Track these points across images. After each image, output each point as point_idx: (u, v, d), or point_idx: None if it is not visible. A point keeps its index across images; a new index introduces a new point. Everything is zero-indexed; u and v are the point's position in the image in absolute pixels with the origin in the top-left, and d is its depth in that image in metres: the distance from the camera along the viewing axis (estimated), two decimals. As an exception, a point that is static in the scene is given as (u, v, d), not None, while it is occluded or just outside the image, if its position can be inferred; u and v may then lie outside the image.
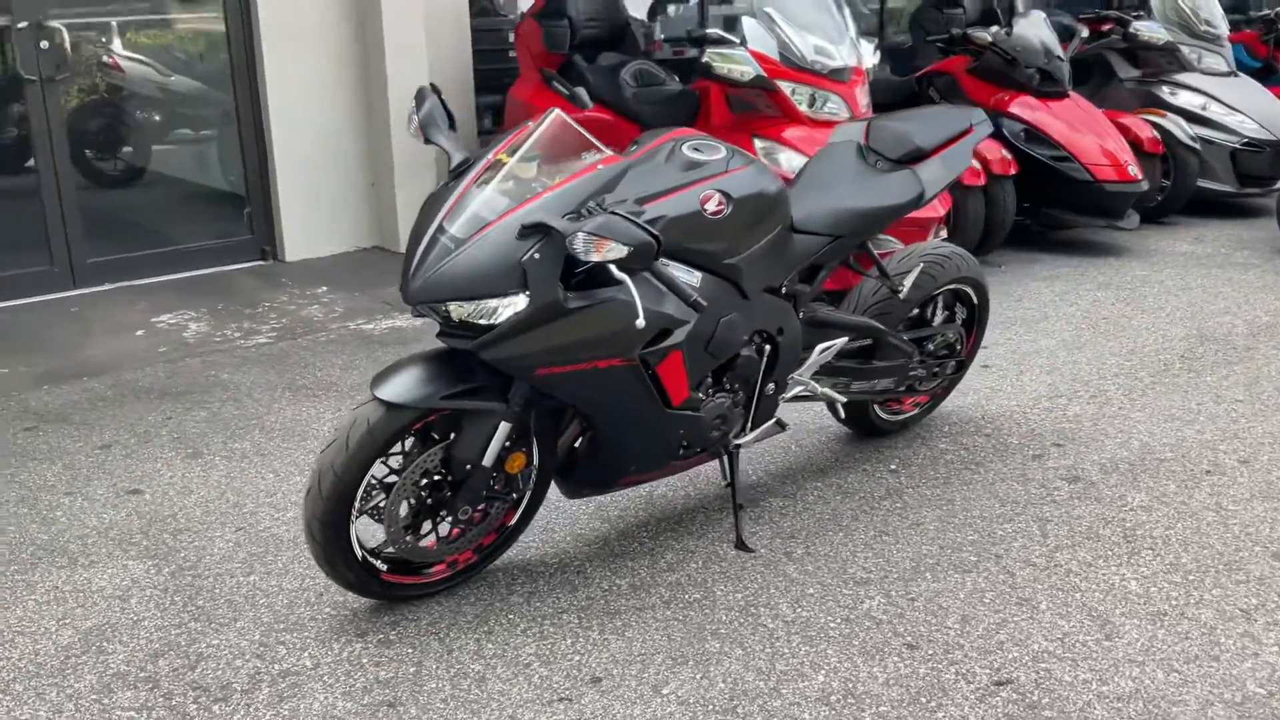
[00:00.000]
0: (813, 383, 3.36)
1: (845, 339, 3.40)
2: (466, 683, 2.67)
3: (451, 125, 2.85)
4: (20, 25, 5.46)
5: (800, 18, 5.45)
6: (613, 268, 2.54)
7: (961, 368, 3.91)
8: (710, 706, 2.58)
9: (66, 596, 3.05)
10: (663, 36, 6.31)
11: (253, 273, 6.21)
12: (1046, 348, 4.92)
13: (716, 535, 3.33)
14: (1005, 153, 6.14)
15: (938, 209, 5.32)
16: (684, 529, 3.37)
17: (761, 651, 2.78)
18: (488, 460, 2.81)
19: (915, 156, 3.46)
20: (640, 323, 2.50)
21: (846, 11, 5.63)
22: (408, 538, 2.85)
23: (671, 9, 8.08)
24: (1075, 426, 4.08)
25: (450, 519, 2.87)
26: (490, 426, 2.78)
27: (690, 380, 2.93)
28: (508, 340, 2.59)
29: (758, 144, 5.36)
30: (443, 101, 2.83)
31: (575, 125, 2.71)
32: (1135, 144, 6.71)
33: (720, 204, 2.82)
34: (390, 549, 2.85)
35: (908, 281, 3.54)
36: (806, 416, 4.12)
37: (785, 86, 5.35)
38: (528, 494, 3.05)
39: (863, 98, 5.52)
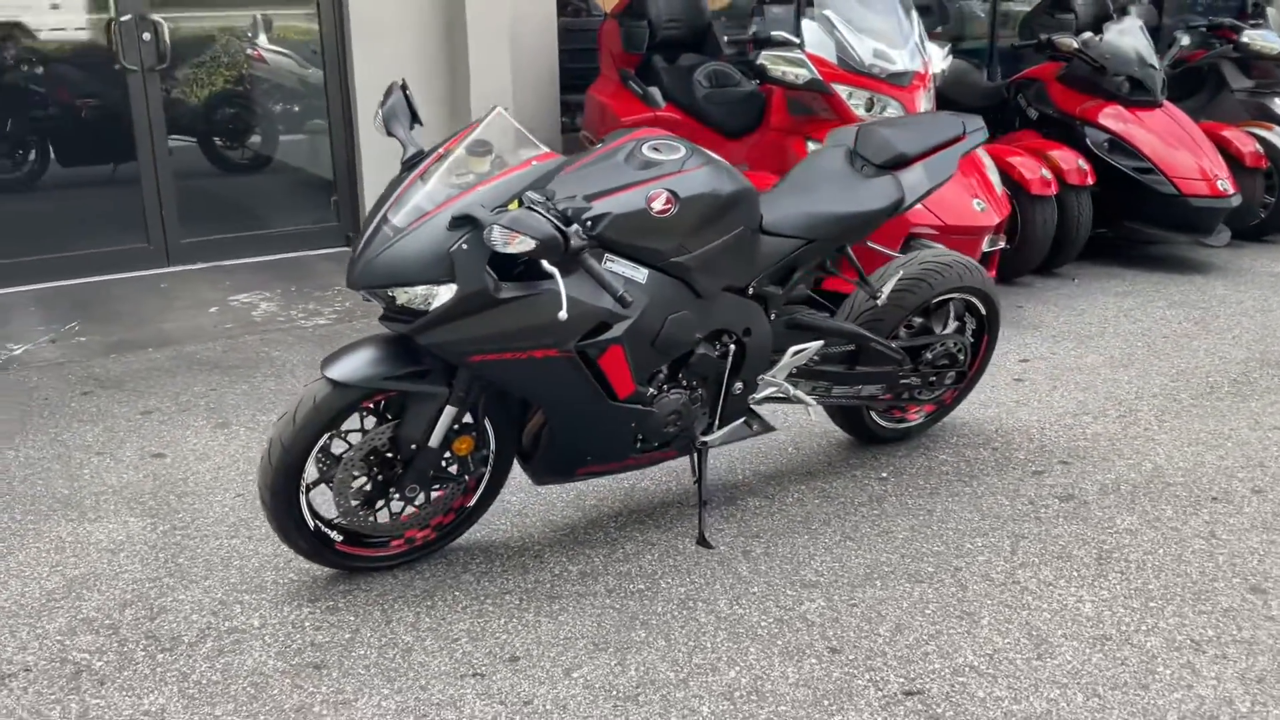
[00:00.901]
0: (786, 384, 3.37)
1: (820, 343, 3.40)
2: (393, 652, 2.79)
3: (415, 120, 2.96)
4: (124, 18, 5.85)
5: (860, 20, 5.41)
6: (543, 261, 2.62)
7: (962, 378, 3.84)
8: (614, 693, 2.64)
9: (65, 546, 3.30)
10: (726, 38, 6.35)
11: (333, 258, 6.50)
12: (1091, 364, 4.77)
13: (682, 530, 3.38)
14: (1082, 163, 5.96)
15: (991, 216, 5.21)
16: (652, 522, 3.42)
17: (684, 644, 2.82)
18: (434, 442, 2.93)
19: (898, 162, 3.43)
20: (562, 315, 2.58)
21: (913, 15, 5.56)
22: (360, 512, 2.99)
23: (774, 10, 8.08)
24: (1090, 445, 3.96)
25: (399, 497, 3.00)
26: (434, 409, 2.89)
27: (635, 375, 2.99)
28: (439, 326, 2.71)
29: (810, 147, 5.35)
30: (408, 98, 2.95)
31: (514, 122, 2.80)
32: (1237, 159, 6.41)
33: (668, 203, 2.88)
34: (342, 521, 2.99)
35: (886, 288, 3.51)
36: (808, 420, 4.12)
37: (841, 90, 5.32)
38: (485, 477, 3.15)
39: (924, 103, 5.44)
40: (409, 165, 2.85)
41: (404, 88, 2.92)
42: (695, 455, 3.34)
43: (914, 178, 3.40)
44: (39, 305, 5.58)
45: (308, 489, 2.93)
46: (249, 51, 6.55)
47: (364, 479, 2.97)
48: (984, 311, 3.84)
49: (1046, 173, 5.77)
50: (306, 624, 2.91)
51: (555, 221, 2.52)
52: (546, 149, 2.77)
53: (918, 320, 3.76)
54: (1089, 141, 6.18)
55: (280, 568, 3.16)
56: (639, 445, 3.17)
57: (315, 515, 2.98)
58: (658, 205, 2.87)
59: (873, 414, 3.84)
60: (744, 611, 2.96)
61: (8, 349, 4.93)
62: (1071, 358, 4.86)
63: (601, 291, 2.83)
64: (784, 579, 3.12)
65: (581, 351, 2.87)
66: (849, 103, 5.34)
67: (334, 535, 3.02)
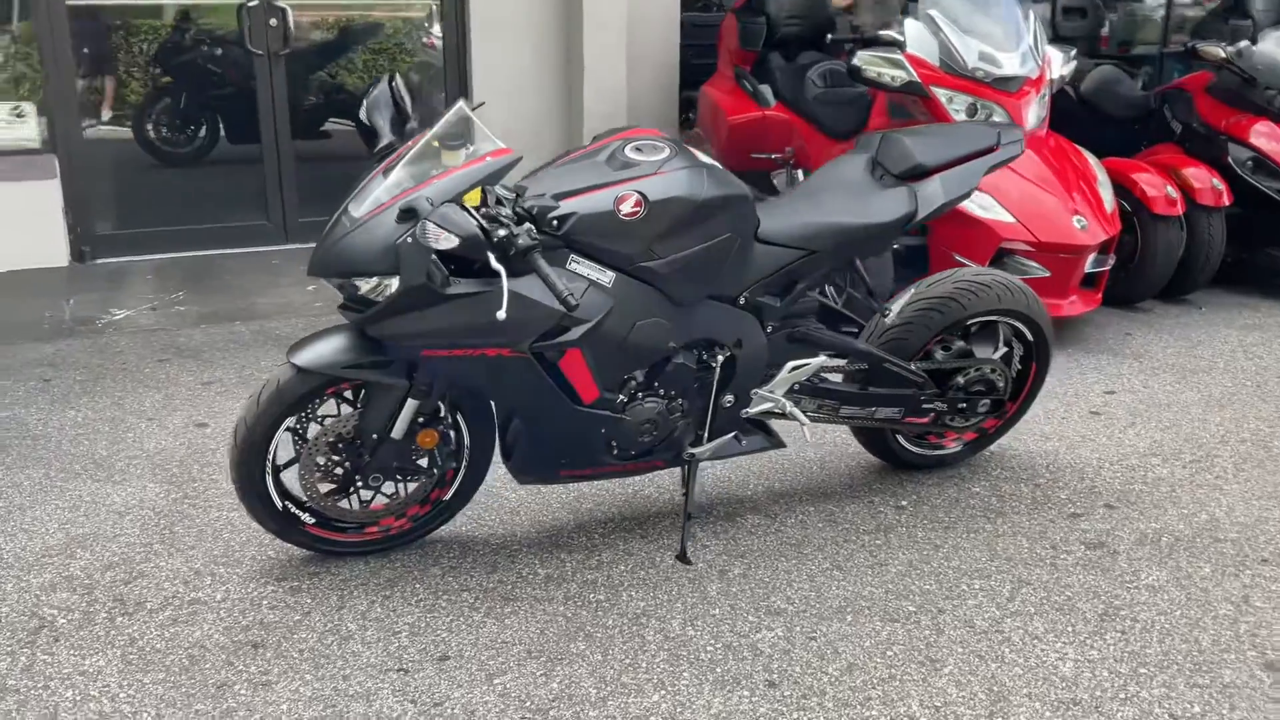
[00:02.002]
0: (785, 400, 3.23)
1: (821, 359, 3.23)
2: (332, 639, 2.81)
3: (401, 115, 2.95)
4: (252, 3, 6.11)
5: (969, 21, 5.12)
6: (490, 258, 2.59)
7: (1000, 407, 3.59)
8: (527, 704, 2.58)
9: (80, 506, 3.46)
10: (830, 37, 6.12)
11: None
12: (1183, 402, 4.40)
13: (667, 543, 3.28)
14: (1217, 182, 5.49)
15: (1093, 235, 4.86)
16: (640, 531, 3.34)
17: (618, 662, 2.73)
18: (397, 433, 2.93)
19: (916, 173, 3.22)
20: (500, 315, 2.53)
21: (1030, 17, 5.24)
22: (327, 496, 3.02)
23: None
24: (1146, 490, 3.65)
25: (363, 485, 3.01)
26: (396, 400, 2.89)
27: (600, 380, 2.91)
28: (386, 319, 2.70)
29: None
30: (394, 90, 2.94)
31: (474, 117, 2.76)
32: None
33: (636, 205, 2.79)
34: (309, 503, 3.03)
35: (895, 305, 3.30)
36: (842, 440, 3.94)
37: (941, 94, 5.06)
38: (461, 471, 3.13)
39: (1034, 111, 5.12)
40: (380, 157, 2.85)
41: (391, 80, 2.92)
42: (685, 467, 3.24)
43: (930, 190, 3.19)
44: (155, 274, 5.89)
45: (276, 470, 2.98)
46: (422, 40, 6.76)
47: (329, 464, 2.99)
48: (1030, 338, 3.58)
49: (1172, 191, 5.34)
50: (264, 602, 2.96)
51: (507, 220, 2.49)
52: (503, 145, 2.73)
53: (958, 343, 3.53)
54: (1231, 159, 5.69)
55: (263, 544, 3.23)
56: (616, 452, 3.08)
57: (286, 496, 3.03)
58: (626, 207, 2.78)
59: (900, 438, 3.63)
60: (695, 634, 2.85)
61: (110, 314, 5.22)
62: (1164, 393, 4.48)
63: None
64: (750, 604, 2.98)
65: (540, 353, 2.81)
66: (948, 108, 5.07)
67: (304, 517, 3.06)
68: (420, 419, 2.96)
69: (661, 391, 3.04)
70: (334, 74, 6.70)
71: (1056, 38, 7.22)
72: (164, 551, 3.20)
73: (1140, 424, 4.18)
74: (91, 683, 2.62)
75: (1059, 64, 5.35)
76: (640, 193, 2.79)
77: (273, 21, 6.16)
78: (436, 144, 2.70)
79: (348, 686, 2.62)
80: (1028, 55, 5.12)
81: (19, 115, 5.93)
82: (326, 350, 2.84)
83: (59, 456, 3.79)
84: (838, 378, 3.43)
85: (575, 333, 2.78)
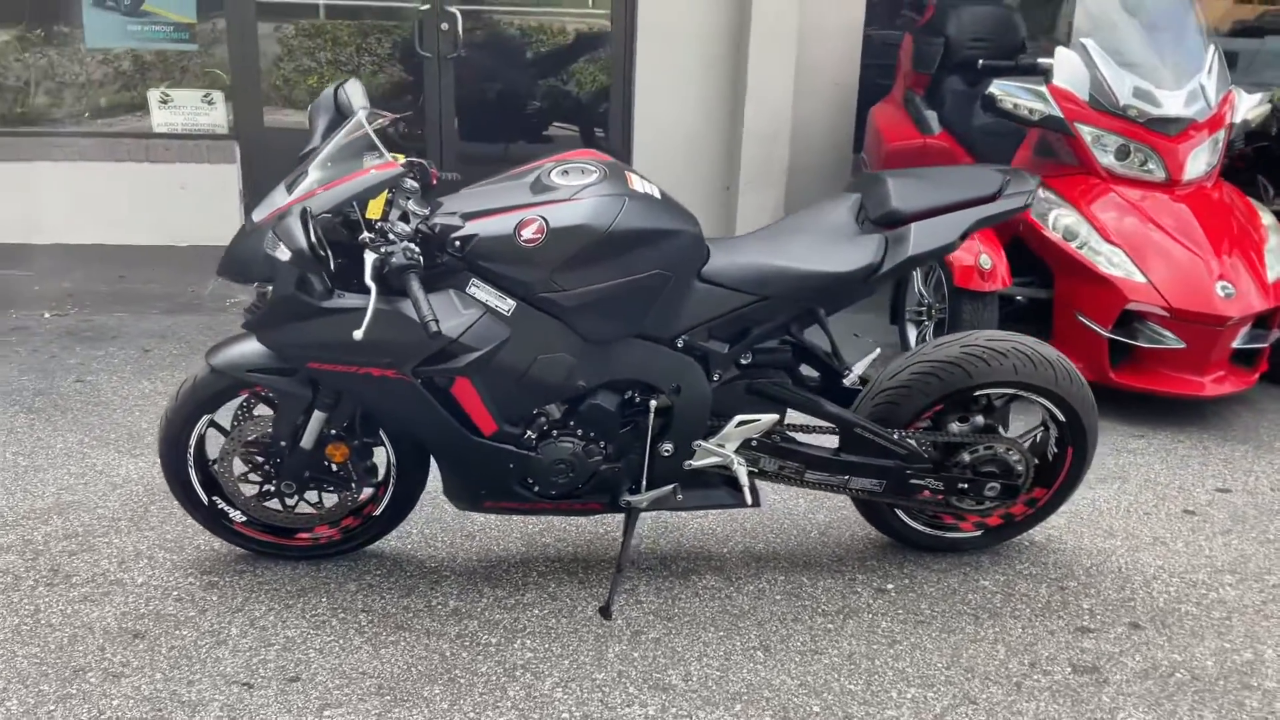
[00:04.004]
0: (734, 455, 2.93)
1: (774, 417, 2.91)
2: (207, 642, 2.80)
3: (339, 118, 2.84)
4: (424, 7, 6.29)
5: (1130, 53, 4.53)
6: (367, 274, 2.49)
7: (1012, 495, 3.12)
8: (340, 742, 2.47)
9: (87, 473, 3.65)
10: (982, 62, 5.54)
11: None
12: (1312, 512, 3.70)
13: (600, 593, 3.07)
14: None
15: (1241, 305, 4.17)
16: (581, 576, 3.14)
17: (462, 714, 2.57)
18: (306, 443, 2.88)
19: (892, 220, 2.84)
20: (357, 335, 2.42)
21: (1209, 51, 4.57)
22: (244, 497, 3.02)
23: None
24: (1195, 613, 3.08)
25: (274, 492, 2.99)
26: (301, 411, 2.85)
27: (496, 413, 2.75)
28: (267, 327, 2.65)
29: (1039, 193, 4.56)
30: (338, 95, 2.83)
31: (369, 129, 2.64)
32: None
33: (538, 231, 2.60)
34: (232, 501, 3.04)
35: (858, 367, 2.92)
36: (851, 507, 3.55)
37: (1086, 132, 4.50)
38: (391, 488, 3.06)
39: (1196, 158, 4.46)
40: (302, 159, 2.80)
41: (340, 85, 2.86)
42: (626, 515, 3.02)
43: (901, 239, 2.80)
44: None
45: (200, 464, 3.01)
46: (538, 48, 6.81)
47: (248, 465, 2.98)
48: (1062, 418, 3.09)
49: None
50: (173, 594, 2.99)
51: (396, 236, 2.47)
52: (390, 158, 2.60)
53: (979, 417, 3.10)
54: None
55: (213, 538, 3.26)
56: (536, 490, 2.91)
57: (216, 491, 3.05)
58: (527, 233, 2.60)
59: (900, 514, 3.24)
60: (561, 697, 2.64)
61: (241, 295, 5.50)
62: (1294, 499, 3.79)
63: (457, 316, 2.63)
64: (642, 674, 2.73)
65: (428, 378, 2.68)
66: (1094, 148, 4.51)
67: (234, 514, 3.07)
68: (331, 431, 2.89)
69: (579, 432, 2.84)
70: (503, 78, 6.78)
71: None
72: (126, 529, 3.31)
73: (1238, 533, 3.54)
74: (-28, 647, 2.73)
75: (1247, 106, 4.63)
76: (543, 218, 2.61)
77: (444, 26, 6.31)
78: (329, 156, 2.62)
79: (185, 693, 2.60)
80: (1196, 95, 4.46)
81: (209, 102, 6.37)
82: (237, 353, 2.83)
83: (103, 424, 4.01)
84: (809, 437, 3.09)
85: (461, 360, 2.63)
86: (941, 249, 2.81)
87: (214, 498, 3.05)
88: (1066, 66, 4.55)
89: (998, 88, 4.60)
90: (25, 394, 4.25)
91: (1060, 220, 4.43)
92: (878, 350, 3.00)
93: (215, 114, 6.39)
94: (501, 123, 6.83)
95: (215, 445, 3.01)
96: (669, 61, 6.37)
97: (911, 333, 4.74)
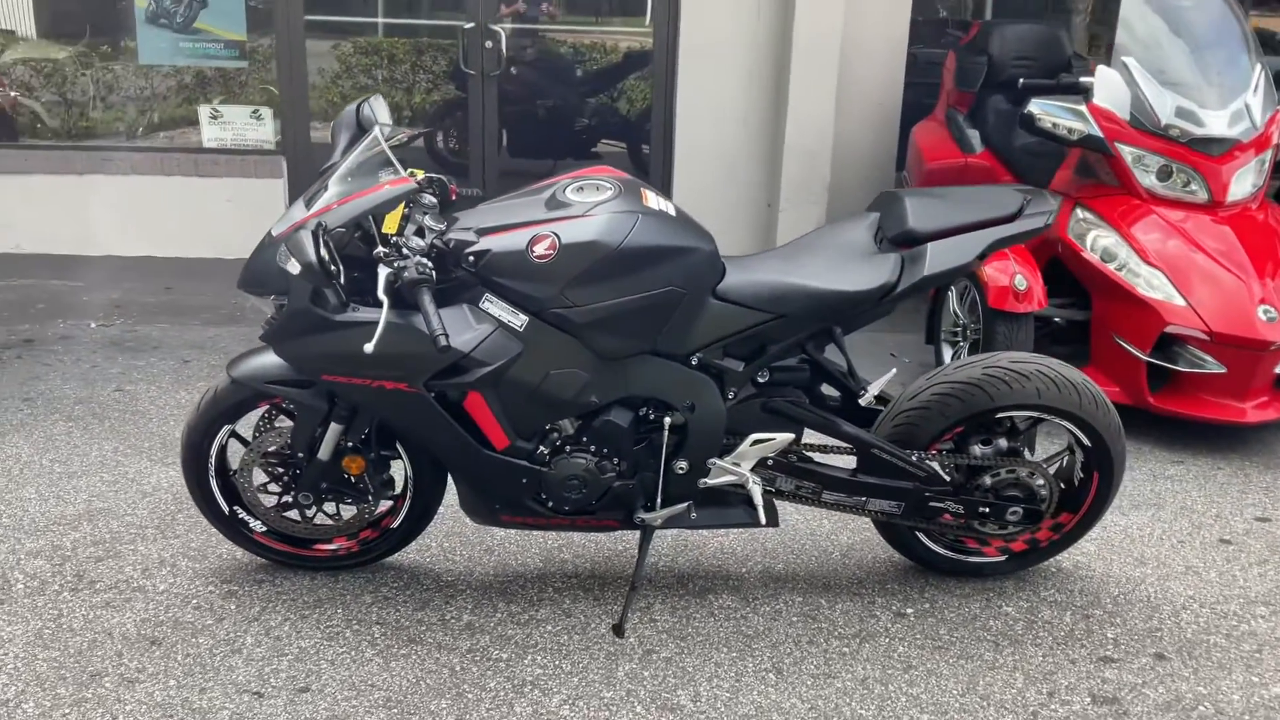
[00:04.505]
0: (750, 474, 2.91)
1: (789, 436, 2.89)
2: (222, 651, 2.83)
3: (361, 134, 2.86)
4: (468, 25, 6.35)
5: (1171, 71, 4.45)
6: (380, 288, 2.51)
7: (1035, 520, 3.06)
8: (344, 754, 2.48)
9: (120, 480, 3.71)
10: (1022, 81, 5.45)
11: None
12: (1355, 544, 3.60)
13: (616, 610, 3.06)
14: None
15: (1285, 330, 4.07)
16: (596, 593, 3.14)
17: (467, 728, 2.57)
18: (323, 455, 2.91)
19: (909, 239, 2.81)
20: (368, 348, 2.45)
21: (1257, 70, 4.48)
22: (267, 507, 3.05)
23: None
24: (1225, 645, 3.01)
25: (292, 503, 3.02)
26: (317, 422, 2.88)
27: (509, 427, 2.75)
28: (283, 339, 2.69)
29: (1078, 213, 4.52)
30: (359, 111, 2.87)
31: (384, 145, 2.66)
32: None
33: (550, 247, 2.61)
34: (252, 511, 3.08)
35: (873, 387, 2.88)
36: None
37: (1127, 152, 4.43)
38: (408, 500, 3.07)
39: (1241, 179, 4.37)
40: (322, 174, 2.84)
41: (363, 102, 2.90)
42: (642, 532, 3.01)
43: (918, 259, 2.77)
44: (349, 273, 6.24)
45: (221, 474, 3.04)
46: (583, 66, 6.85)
47: (268, 475, 3.02)
48: (1087, 443, 3.04)
49: None
50: (193, 601, 3.03)
51: (410, 251, 2.49)
52: (405, 174, 2.63)
53: (1002, 440, 3.06)
54: None
55: (236, 547, 3.30)
56: (549, 505, 2.91)
57: (237, 501, 3.09)
58: (539, 249, 2.61)
59: (921, 536, 3.20)
60: (568, 714, 2.63)
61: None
62: (1337, 530, 3.69)
63: (469, 330, 2.65)
64: (651, 694, 2.72)
65: (441, 392, 2.70)
66: (1135, 168, 4.44)
67: (254, 524, 3.11)
68: (349, 444, 2.92)
69: (592, 448, 2.83)
70: (546, 96, 6.83)
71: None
72: (152, 536, 3.35)
73: (1275, 563, 3.45)
74: (-5, 650, 2.78)
75: (1300, 125, 4.53)
76: (555, 234, 2.61)
77: (488, 44, 6.37)
78: (347, 172, 2.65)
79: (196, 700, 2.63)
80: (1241, 115, 4.37)
81: (258, 118, 6.49)
82: (257, 365, 2.87)
83: (139, 433, 4.08)
84: (827, 457, 3.06)
85: (473, 375, 2.64)
86: (958, 269, 2.78)
87: (235, 507, 3.09)
88: (1107, 85, 4.48)
89: (1036, 107, 4.54)
90: (66, 402, 4.34)
91: (1099, 241, 4.36)
92: (894, 370, 2.96)
93: (264, 129, 6.50)
94: (544, 140, 6.88)
95: (237, 455, 3.05)
96: (711, 79, 6.38)
97: (947, 353, 4.69)
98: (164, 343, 5.05)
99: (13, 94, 6.49)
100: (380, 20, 6.69)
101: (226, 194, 6.38)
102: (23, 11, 6.57)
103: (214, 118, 6.46)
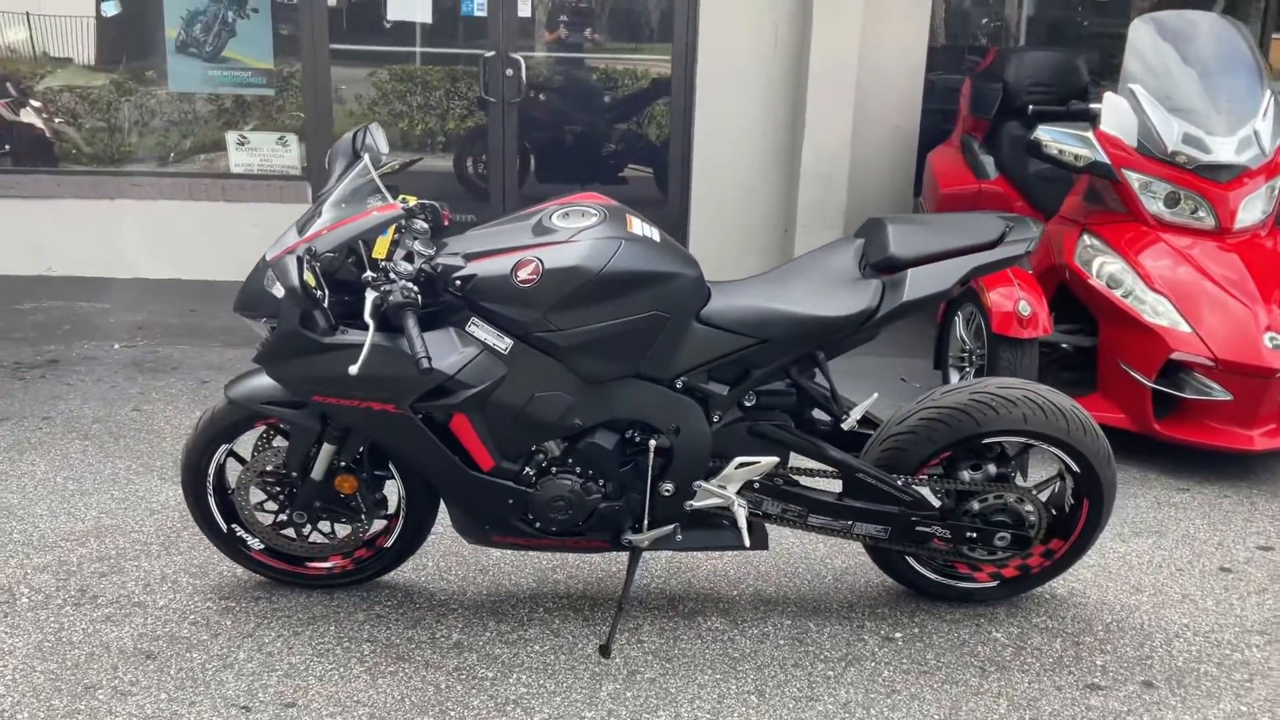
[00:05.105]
0: (735, 497, 2.94)
1: (774, 460, 2.92)
2: (214, 666, 2.89)
3: (356, 157, 2.93)
4: (489, 54, 6.45)
5: (1178, 98, 4.45)
6: (366, 312, 2.58)
7: (1024, 545, 3.06)
8: (324, 768, 2.52)
9: (129, 498, 3.79)
10: (1032, 108, 5.44)
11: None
12: (1359, 574, 3.56)
13: (605, 631, 3.09)
14: None
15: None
16: (586, 613, 3.17)
17: (447, 745, 2.61)
18: (316, 475, 2.97)
19: (890, 265, 2.83)
20: (353, 370, 2.51)
21: (1266, 95, 4.47)
22: (264, 525, 3.12)
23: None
24: (1215, 674, 2.99)
25: (287, 521, 3.08)
26: (310, 442, 2.94)
27: (494, 448, 2.80)
28: (274, 361, 2.75)
29: (1085, 240, 4.52)
30: (355, 139, 2.94)
31: (373, 171, 2.73)
32: None
33: (533, 272, 2.66)
34: (249, 528, 3.14)
35: (855, 412, 2.90)
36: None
37: (1133, 178, 4.43)
38: (401, 520, 3.13)
39: (1249, 206, 4.35)
40: (316, 201, 2.91)
41: (360, 130, 2.97)
42: (630, 553, 3.04)
43: (898, 285, 2.79)
44: (370, 296, 6.33)
45: (219, 492, 3.11)
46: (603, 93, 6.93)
47: (264, 493, 3.08)
48: (1076, 469, 3.04)
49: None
50: (190, 617, 3.09)
51: (397, 275, 2.55)
52: (392, 200, 2.69)
53: (991, 466, 3.07)
54: None
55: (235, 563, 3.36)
56: (537, 526, 2.95)
57: (234, 519, 3.15)
58: (523, 274, 2.67)
59: (911, 561, 3.21)
60: (547, 733, 2.66)
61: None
62: (1341, 560, 3.65)
63: (455, 353, 2.70)
64: (631, 714, 2.74)
65: (428, 413, 2.75)
66: (1142, 195, 4.43)
67: (252, 542, 3.17)
68: (342, 464, 2.98)
69: (577, 469, 2.87)
70: (565, 123, 6.92)
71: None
72: (156, 553, 3.43)
73: (1274, 592, 3.42)
74: (-5, 661, 2.86)
75: (1315, 153, 4.51)
76: (539, 259, 2.67)
77: (509, 72, 6.46)
78: (339, 198, 2.72)
79: (186, 713, 2.68)
80: (1250, 141, 4.36)
81: (284, 144, 6.62)
82: (253, 386, 2.94)
83: (152, 452, 4.17)
84: (814, 481, 3.08)
85: (458, 397, 2.70)
86: (937, 295, 2.80)
87: (233, 525, 3.15)
88: (1114, 112, 4.49)
89: (1044, 133, 4.55)
90: (84, 421, 4.44)
91: (1105, 268, 4.35)
92: (875, 395, 2.98)
93: (289, 155, 6.63)
94: (563, 166, 6.95)
95: (235, 475, 3.11)
96: (728, 104, 6.43)
97: (954, 377, 4.69)
98: (184, 363, 5.16)
99: (57, 121, 6.66)
100: (403, 49, 6.80)
101: (252, 219, 6.49)
102: (81, 40, 6.73)
103: (241, 144, 6.60)
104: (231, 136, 6.60)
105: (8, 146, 6.67)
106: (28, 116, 6.68)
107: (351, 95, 6.75)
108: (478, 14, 6.45)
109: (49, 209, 6.42)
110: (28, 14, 6.57)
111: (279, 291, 2.56)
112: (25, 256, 6.45)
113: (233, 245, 6.45)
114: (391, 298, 2.55)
